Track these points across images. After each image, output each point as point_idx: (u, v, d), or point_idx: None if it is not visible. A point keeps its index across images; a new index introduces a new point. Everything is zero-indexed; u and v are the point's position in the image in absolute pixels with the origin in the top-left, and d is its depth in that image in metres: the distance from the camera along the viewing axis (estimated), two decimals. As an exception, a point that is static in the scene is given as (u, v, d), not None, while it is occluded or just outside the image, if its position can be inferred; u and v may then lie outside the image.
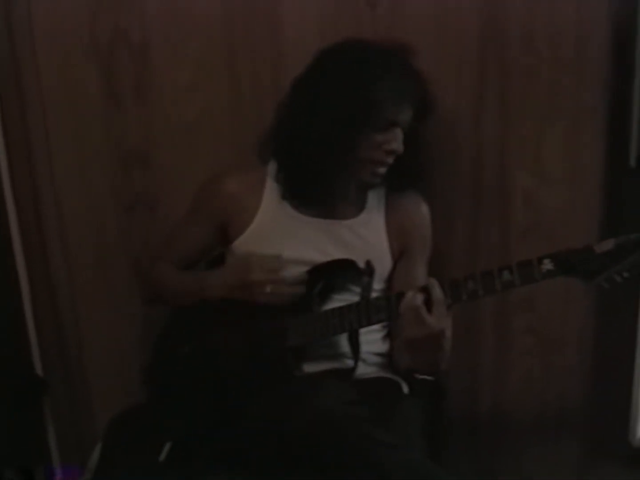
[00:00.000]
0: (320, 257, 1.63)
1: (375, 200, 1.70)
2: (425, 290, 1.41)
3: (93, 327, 2.08)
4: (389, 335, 1.74)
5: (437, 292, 1.40)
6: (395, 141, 1.57)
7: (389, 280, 1.71)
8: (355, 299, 1.59)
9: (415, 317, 1.39)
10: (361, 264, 1.60)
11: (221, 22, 1.85)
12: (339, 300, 1.60)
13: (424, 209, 1.73)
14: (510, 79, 1.80)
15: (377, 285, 1.66)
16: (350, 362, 1.59)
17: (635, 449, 2.00)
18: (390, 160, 1.59)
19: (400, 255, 1.71)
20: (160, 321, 1.80)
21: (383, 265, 1.68)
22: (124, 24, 1.87)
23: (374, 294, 1.62)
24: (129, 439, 1.59)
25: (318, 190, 1.61)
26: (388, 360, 1.73)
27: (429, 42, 1.78)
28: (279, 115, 1.63)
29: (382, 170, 1.60)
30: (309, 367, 1.58)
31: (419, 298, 1.40)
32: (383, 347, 1.72)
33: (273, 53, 1.86)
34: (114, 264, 2.03)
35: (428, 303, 1.40)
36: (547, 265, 1.37)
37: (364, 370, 1.64)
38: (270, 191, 1.67)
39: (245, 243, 1.67)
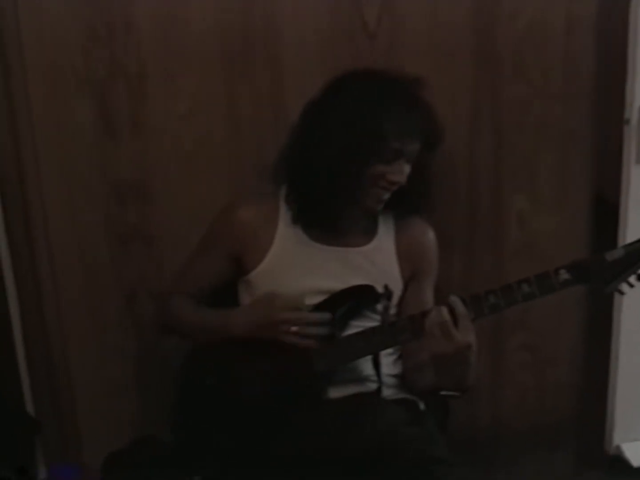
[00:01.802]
0: (338, 285, 1.64)
1: (385, 227, 1.74)
2: (448, 307, 1.45)
3: (84, 366, 2.03)
4: (401, 358, 1.77)
5: (461, 307, 1.44)
6: (400, 173, 1.60)
7: (399, 304, 1.75)
8: (372, 324, 1.61)
9: (442, 332, 1.42)
10: (379, 289, 1.63)
11: (218, 52, 1.86)
12: (357, 327, 1.62)
13: (431, 234, 1.78)
14: (503, 107, 1.89)
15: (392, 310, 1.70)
16: (371, 385, 1.63)
17: (611, 456, 2.10)
18: (393, 188, 1.62)
19: (409, 279, 1.75)
20: (153, 359, 1.79)
21: (395, 290, 1.71)
22: (120, 54, 1.85)
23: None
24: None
25: (327, 217, 1.64)
26: (402, 381, 1.76)
27: (425, 71, 1.79)
28: (292, 137, 1.65)
29: (385, 197, 1.64)
30: (335, 392, 1.60)
31: (446, 313, 1.43)
32: (398, 369, 1.75)
33: (272, 83, 1.87)
34: (107, 299, 1.99)
35: (453, 319, 1.44)
36: (564, 275, 1.44)
37: (384, 392, 1.67)
38: (285, 220, 1.68)
39: (262, 274, 1.67)
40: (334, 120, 1.58)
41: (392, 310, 1.71)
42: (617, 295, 1.62)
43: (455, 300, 1.45)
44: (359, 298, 1.64)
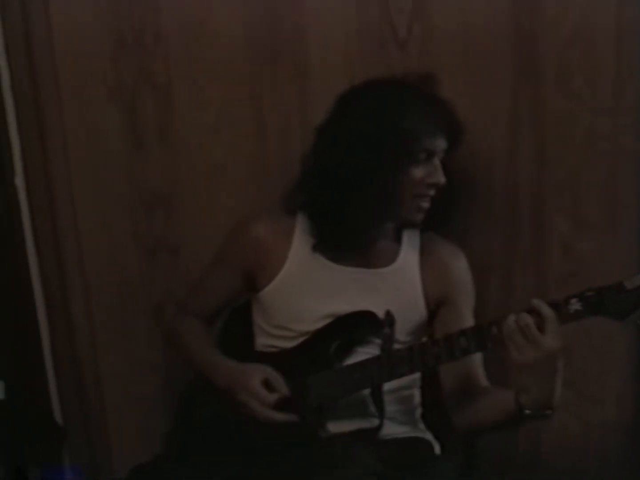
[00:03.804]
0: (349, 308, 1.57)
1: (409, 248, 1.63)
2: (532, 311, 1.31)
3: (113, 375, 2.05)
4: (422, 390, 1.66)
5: (547, 310, 1.29)
6: (436, 172, 1.54)
7: (422, 332, 1.63)
8: (377, 351, 1.52)
9: (526, 339, 1.29)
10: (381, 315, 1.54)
11: (246, 63, 1.82)
12: (362, 353, 1.54)
13: (461, 256, 1.66)
14: (546, 121, 1.73)
15: (404, 337, 1.58)
16: (376, 421, 1.52)
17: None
18: (432, 193, 1.55)
19: (439, 306, 1.63)
20: (182, 369, 1.75)
21: (414, 316, 1.61)
22: (148, 64, 1.85)
23: (397, 346, 1.54)
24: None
25: (354, 240, 1.56)
26: (420, 418, 1.66)
27: (461, 82, 1.73)
28: (306, 166, 1.59)
29: (426, 205, 1.56)
30: (335, 427, 1.51)
31: (528, 317, 1.29)
32: (412, 404, 1.65)
33: (299, 95, 1.82)
34: (135, 310, 2.00)
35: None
36: (575, 305, 1.29)
37: (393, 429, 1.57)
38: (300, 239, 1.62)
39: (273, 292, 1.62)
40: (356, 132, 1.51)
41: (408, 338, 1.60)
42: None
43: (540, 303, 1.30)
44: (357, 325, 1.56)
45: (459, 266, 1.65)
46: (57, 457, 2.05)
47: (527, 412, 1.36)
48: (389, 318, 1.53)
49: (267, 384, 1.51)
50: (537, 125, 1.74)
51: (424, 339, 1.50)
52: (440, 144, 1.55)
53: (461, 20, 1.71)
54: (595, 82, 1.69)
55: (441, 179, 1.54)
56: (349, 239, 1.56)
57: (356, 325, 1.55)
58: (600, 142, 1.72)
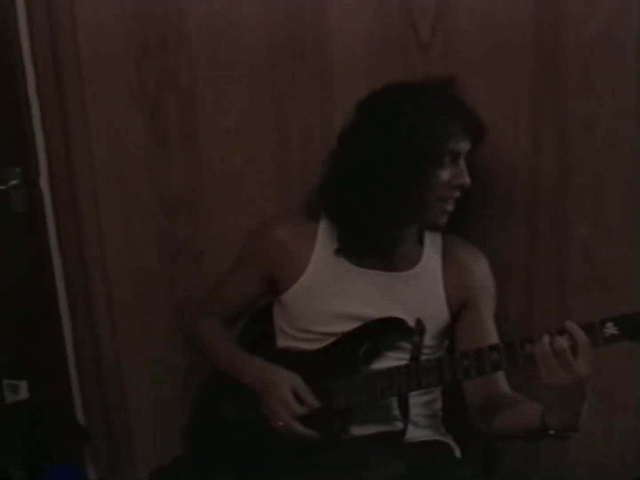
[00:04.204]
0: (372, 312, 1.57)
1: (432, 251, 1.63)
2: (565, 333, 1.30)
3: (135, 377, 2.06)
4: (443, 395, 1.66)
5: (581, 334, 1.28)
6: (462, 174, 1.54)
7: (447, 335, 1.64)
8: (406, 356, 1.52)
9: (559, 362, 1.28)
10: (412, 322, 1.53)
11: (268, 67, 1.82)
12: (390, 357, 1.54)
13: (483, 261, 1.65)
14: (569, 124, 1.72)
15: (430, 342, 1.59)
16: (400, 425, 1.52)
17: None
18: (458, 194, 1.56)
19: (461, 309, 1.62)
20: (203, 371, 1.76)
21: (437, 319, 1.60)
22: (171, 68, 1.86)
23: (425, 351, 1.54)
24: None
25: (377, 243, 1.56)
26: (441, 421, 1.65)
27: (483, 85, 1.72)
28: (329, 171, 1.59)
29: (450, 207, 1.57)
30: (357, 430, 1.52)
31: (564, 341, 1.28)
32: (434, 408, 1.64)
33: (321, 98, 1.82)
34: (157, 314, 2.01)
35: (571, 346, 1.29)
36: (611, 329, 1.28)
37: (414, 433, 1.56)
38: (323, 242, 1.62)
39: (295, 295, 1.62)
40: (382, 136, 1.51)
41: (434, 342, 1.60)
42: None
43: (574, 326, 1.29)
44: (387, 331, 1.56)
45: (481, 270, 1.65)
46: (78, 457, 2.06)
47: (552, 432, 1.36)
48: (420, 327, 1.52)
49: (296, 395, 1.50)
50: (559, 128, 1.72)
51: (456, 352, 1.48)
52: (465, 145, 1.55)
53: (483, 22, 1.70)
54: (617, 84, 1.68)
55: (467, 180, 1.54)
56: (371, 243, 1.56)
57: (386, 331, 1.55)
58: (622, 145, 1.70)
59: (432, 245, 1.64)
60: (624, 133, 1.70)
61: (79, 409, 2.05)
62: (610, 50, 1.66)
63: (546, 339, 1.30)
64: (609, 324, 1.28)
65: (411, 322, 1.53)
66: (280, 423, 1.47)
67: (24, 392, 1.91)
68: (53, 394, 1.99)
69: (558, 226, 1.78)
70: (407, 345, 1.53)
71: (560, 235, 1.78)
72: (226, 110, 1.86)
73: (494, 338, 1.59)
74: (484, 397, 1.55)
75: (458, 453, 1.61)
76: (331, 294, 1.60)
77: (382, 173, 1.50)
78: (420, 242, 1.64)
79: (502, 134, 1.72)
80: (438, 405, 1.66)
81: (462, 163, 1.54)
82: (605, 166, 1.72)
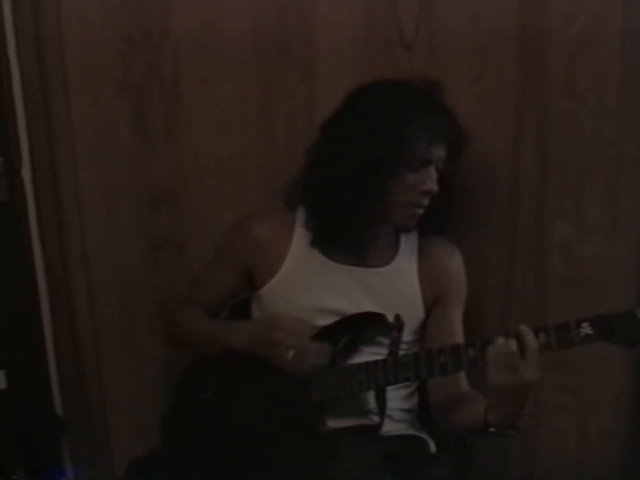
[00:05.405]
0: (349, 307, 1.58)
1: (407, 248, 1.64)
2: (518, 337, 1.31)
3: (114, 368, 2.05)
4: (418, 391, 1.67)
5: (532, 340, 1.30)
6: (430, 180, 1.52)
7: (423, 331, 1.65)
8: (384, 351, 1.53)
9: (507, 364, 1.30)
10: (390, 317, 1.54)
11: (254, 61, 1.83)
12: (367, 352, 1.55)
13: (458, 258, 1.67)
14: (550, 125, 1.74)
15: (407, 337, 1.60)
16: (376, 419, 1.53)
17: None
18: (425, 201, 1.54)
19: (433, 305, 1.64)
20: (182, 363, 1.76)
21: (414, 315, 1.62)
22: (156, 61, 1.86)
23: (402, 347, 1.56)
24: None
25: (350, 238, 1.57)
26: (416, 416, 1.67)
27: (466, 84, 1.73)
28: (308, 160, 1.60)
29: (418, 212, 1.56)
30: (334, 423, 1.51)
31: (514, 344, 1.30)
32: (410, 403, 1.66)
33: (307, 93, 1.82)
34: (138, 304, 2.01)
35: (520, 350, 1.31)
36: (586, 329, 1.29)
37: (390, 427, 1.57)
38: (300, 236, 1.62)
39: (273, 289, 1.63)
40: (355, 132, 1.52)
41: (410, 337, 1.61)
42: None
43: (526, 330, 1.31)
44: (366, 326, 1.56)
45: (456, 267, 1.67)
46: (55, 449, 2.05)
47: (492, 429, 1.38)
48: (398, 322, 1.54)
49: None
50: (540, 127, 1.74)
51: (432, 348, 1.49)
52: (439, 152, 1.53)
53: (467, 22, 1.72)
54: (599, 87, 1.70)
55: (433, 187, 1.52)
56: (343, 236, 1.57)
57: (365, 326, 1.56)
58: (603, 147, 1.72)
59: (408, 242, 1.65)
60: (606, 133, 1.72)
61: (57, 400, 2.04)
62: (594, 50, 1.68)
63: (500, 340, 1.32)
64: (585, 324, 1.29)
65: (389, 318, 1.54)
66: (292, 352, 1.48)
67: (2, 382, 1.90)
68: (31, 384, 1.98)
69: (538, 225, 1.80)
70: (385, 341, 1.55)
71: (540, 234, 1.80)
72: (210, 103, 1.86)
73: (459, 336, 1.61)
74: (446, 394, 1.58)
75: (433, 448, 1.62)
76: (308, 289, 1.61)
77: (352, 167, 1.50)
78: (397, 239, 1.65)
79: (483, 133, 1.73)
80: (414, 400, 1.67)
81: (432, 169, 1.53)
82: (587, 166, 1.74)
